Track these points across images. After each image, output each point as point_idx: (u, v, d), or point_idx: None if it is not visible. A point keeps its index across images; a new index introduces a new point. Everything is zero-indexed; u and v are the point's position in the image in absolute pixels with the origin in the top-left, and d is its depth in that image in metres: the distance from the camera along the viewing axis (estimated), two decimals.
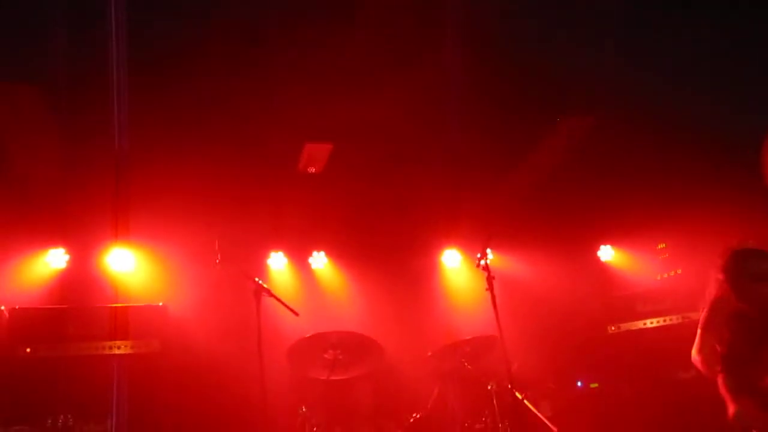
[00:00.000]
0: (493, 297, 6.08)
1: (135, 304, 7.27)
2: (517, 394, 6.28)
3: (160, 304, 7.28)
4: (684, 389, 7.36)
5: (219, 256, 5.72)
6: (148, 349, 6.99)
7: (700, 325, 4.68)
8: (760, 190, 4.84)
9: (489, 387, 6.43)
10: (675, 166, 8.03)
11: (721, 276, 4.54)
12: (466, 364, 6.61)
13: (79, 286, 7.53)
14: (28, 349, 6.67)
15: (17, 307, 6.84)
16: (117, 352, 6.91)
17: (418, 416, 6.48)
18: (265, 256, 8.51)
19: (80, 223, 7.53)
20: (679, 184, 8.19)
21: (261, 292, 5.76)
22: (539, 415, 6.27)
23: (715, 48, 6.26)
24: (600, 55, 6.16)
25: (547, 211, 8.87)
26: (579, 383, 7.41)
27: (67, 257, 7.72)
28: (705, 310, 4.66)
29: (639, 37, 6.13)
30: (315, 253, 8.73)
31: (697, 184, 7.98)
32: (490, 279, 6.10)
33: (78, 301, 7.23)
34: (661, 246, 9.27)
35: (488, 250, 6.67)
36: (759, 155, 3.20)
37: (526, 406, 6.42)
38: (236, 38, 5.84)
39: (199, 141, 6.94)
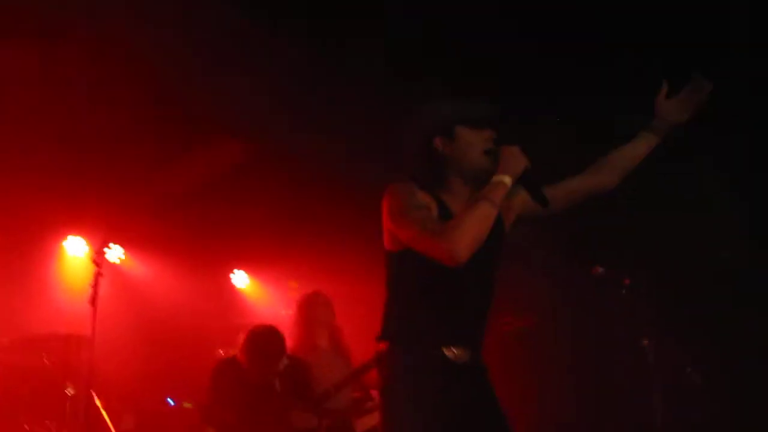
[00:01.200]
0: (95, 294, 5.82)
1: None
2: (97, 402, 5.97)
3: None
4: None
5: None
6: None
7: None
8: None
9: (67, 390, 5.95)
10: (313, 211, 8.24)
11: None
12: (45, 360, 6.05)
13: None
14: None
15: None
16: None
17: None
18: None
19: None
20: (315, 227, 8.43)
21: None
22: (111, 427, 5.93)
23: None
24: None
25: (191, 222, 8.58)
26: (170, 401, 7.12)
27: None
28: None
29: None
30: None
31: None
32: (96, 274, 5.92)
33: None
34: (293, 284, 9.42)
35: (110, 246, 6.34)
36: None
37: (104, 416, 6.05)
38: None
39: None
